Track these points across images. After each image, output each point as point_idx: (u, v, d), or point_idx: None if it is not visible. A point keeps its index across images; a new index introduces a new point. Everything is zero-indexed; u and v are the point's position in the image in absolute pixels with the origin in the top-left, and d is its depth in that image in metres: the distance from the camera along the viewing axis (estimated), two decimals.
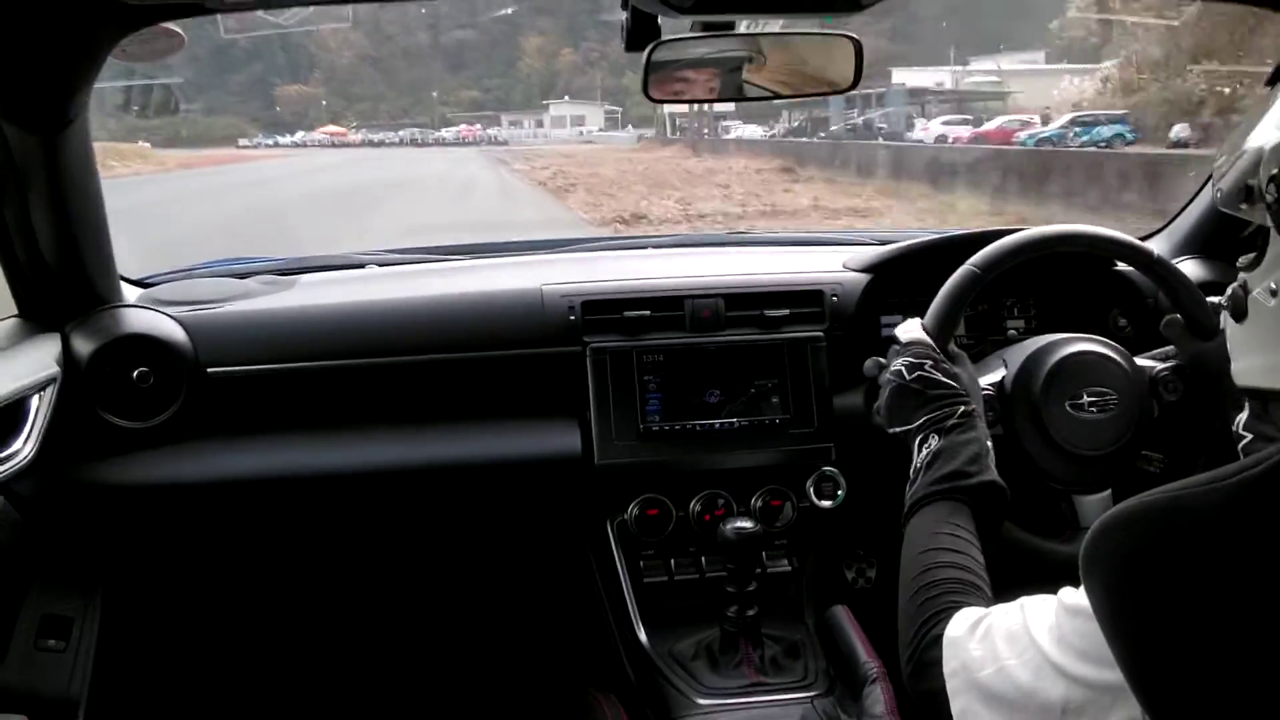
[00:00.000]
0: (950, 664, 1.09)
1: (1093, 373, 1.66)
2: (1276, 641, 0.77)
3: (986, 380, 1.69)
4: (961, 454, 1.37)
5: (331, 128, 40.83)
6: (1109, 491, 1.69)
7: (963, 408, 1.43)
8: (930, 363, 1.50)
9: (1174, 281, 1.69)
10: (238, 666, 2.28)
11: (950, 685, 1.08)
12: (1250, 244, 1.06)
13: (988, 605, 1.14)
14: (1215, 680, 0.79)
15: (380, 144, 39.73)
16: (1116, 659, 0.86)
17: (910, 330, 1.58)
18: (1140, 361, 1.72)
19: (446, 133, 41.44)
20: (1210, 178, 1.38)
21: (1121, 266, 2.00)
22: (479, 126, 41.93)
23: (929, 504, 1.34)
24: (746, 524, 1.75)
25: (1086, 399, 1.64)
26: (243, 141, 38.20)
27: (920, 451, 1.41)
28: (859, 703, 1.64)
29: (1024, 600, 1.04)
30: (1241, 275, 1.05)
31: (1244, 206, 1.02)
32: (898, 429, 1.48)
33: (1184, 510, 0.84)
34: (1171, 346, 1.74)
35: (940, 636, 1.12)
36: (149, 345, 1.85)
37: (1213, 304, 1.10)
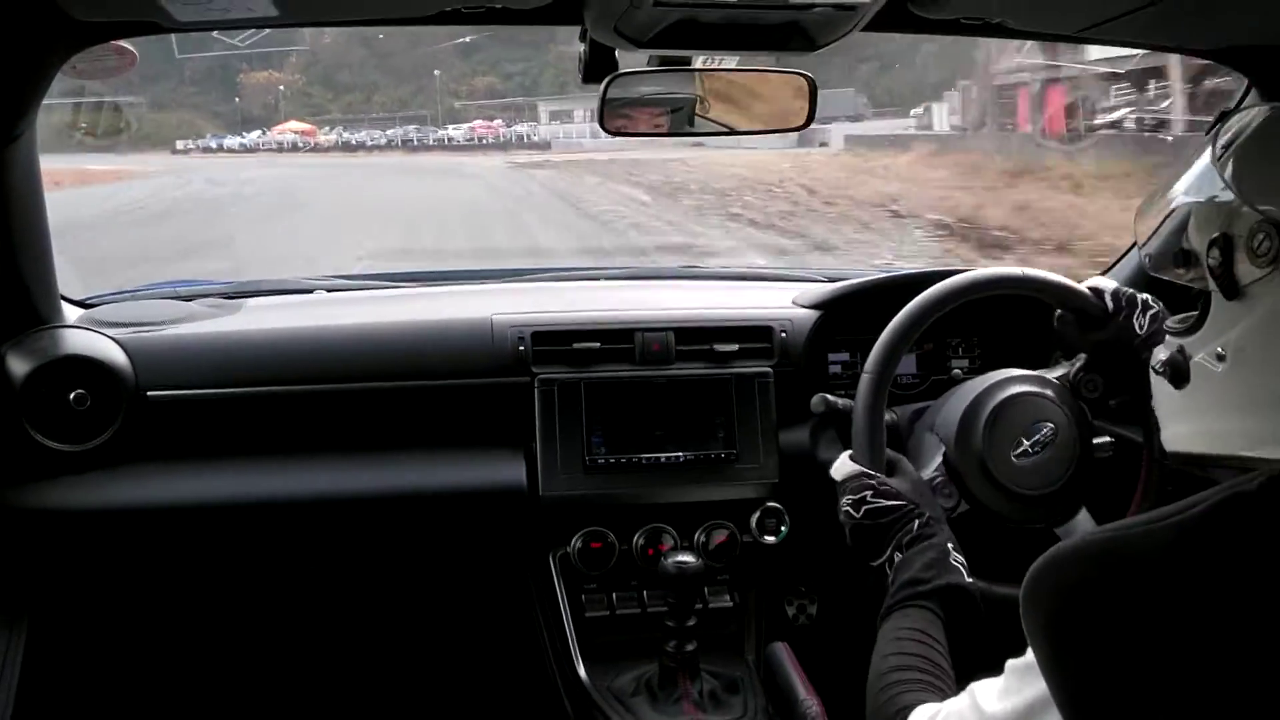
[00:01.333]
0: None
1: (1027, 413, 1.69)
2: (1209, 681, 0.78)
3: (930, 470, 1.71)
4: (917, 562, 1.40)
5: (295, 124, 34.44)
6: (1085, 514, 1.72)
7: (916, 521, 1.46)
8: (871, 492, 1.52)
9: (1049, 286, 1.72)
10: (168, 699, 2.23)
11: None
12: (1186, 294, 1.06)
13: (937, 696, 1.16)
14: (1151, 718, 0.79)
15: (360, 147, 32.39)
16: (1054, 696, 0.86)
17: (843, 467, 1.60)
18: (1054, 373, 1.76)
19: (455, 131, 33.64)
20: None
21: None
22: (499, 122, 34.16)
23: (891, 613, 1.37)
24: (688, 558, 1.75)
25: (1027, 443, 1.67)
26: (180, 145, 32.15)
27: (889, 571, 1.45)
28: None
29: (973, 684, 1.05)
30: (1177, 340, 1.05)
31: (1179, 271, 1.02)
32: (874, 564, 1.50)
33: (1123, 550, 0.85)
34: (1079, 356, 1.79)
35: None
36: (87, 367, 1.81)
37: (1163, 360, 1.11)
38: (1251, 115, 1.00)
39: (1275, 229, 0.90)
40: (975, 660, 1.12)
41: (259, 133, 34.13)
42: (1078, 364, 1.78)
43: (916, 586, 1.37)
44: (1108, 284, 1.72)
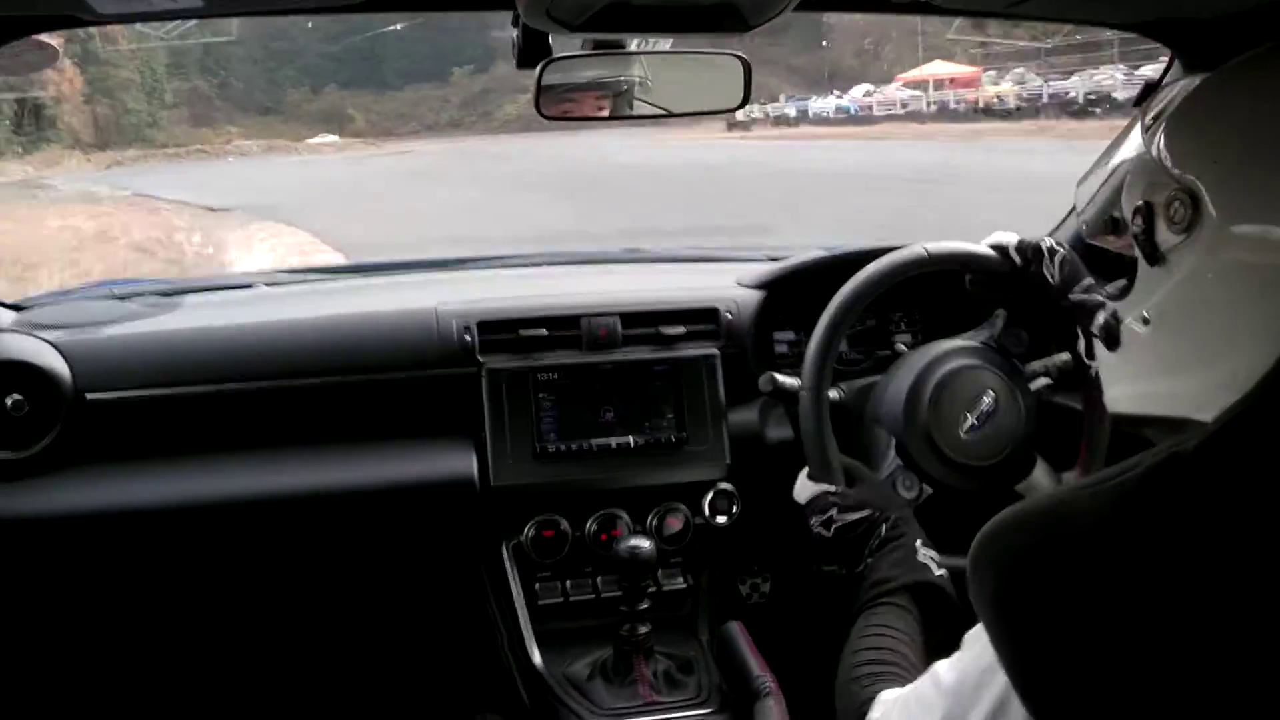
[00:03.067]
0: None
1: (966, 388, 1.72)
2: (1155, 645, 0.79)
3: (886, 459, 1.75)
4: (884, 564, 1.45)
5: (942, 68, 23.00)
6: (1041, 465, 1.76)
7: (883, 525, 1.51)
8: (835, 509, 1.57)
9: (951, 256, 1.75)
10: (120, 701, 2.20)
11: None
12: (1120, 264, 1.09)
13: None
14: (1096, 683, 0.81)
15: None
16: (1001, 663, 0.87)
17: (804, 490, 1.65)
18: (978, 338, 1.81)
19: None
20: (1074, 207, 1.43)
21: None
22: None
23: (861, 613, 1.41)
24: (641, 543, 1.75)
25: (972, 418, 1.70)
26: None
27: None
28: (752, 718, 1.65)
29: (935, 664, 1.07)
30: (1111, 304, 1.07)
31: (1110, 238, 1.05)
32: (856, 571, 1.54)
33: (1066, 514, 0.86)
34: (1051, 361, 1.82)
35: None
36: (23, 371, 1.78)
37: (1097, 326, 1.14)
38: (1179, 87, 1.02)
39: (1189, 196, 0.92)
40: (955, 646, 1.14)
41: (865, 90, 23.94)
42: (999, 322, 1.81)
43: (883, 585, 1.42)
44: (1008, 238, 1.74)
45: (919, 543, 1.48)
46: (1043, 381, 1.82)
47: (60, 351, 1.83)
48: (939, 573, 1.44)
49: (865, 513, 1.54)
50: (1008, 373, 1.75)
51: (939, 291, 2.09)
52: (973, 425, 1.70)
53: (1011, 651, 0.87)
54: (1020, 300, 1.79)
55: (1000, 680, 0.88)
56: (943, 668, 1.01)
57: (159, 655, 2.21)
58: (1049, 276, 1.66)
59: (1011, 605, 0.87)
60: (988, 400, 1.72)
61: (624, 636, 1.79)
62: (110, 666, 2.16)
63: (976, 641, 0.94)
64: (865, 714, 1.18)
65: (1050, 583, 0.85)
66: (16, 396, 1.76)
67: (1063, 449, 1.77)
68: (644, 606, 1.78)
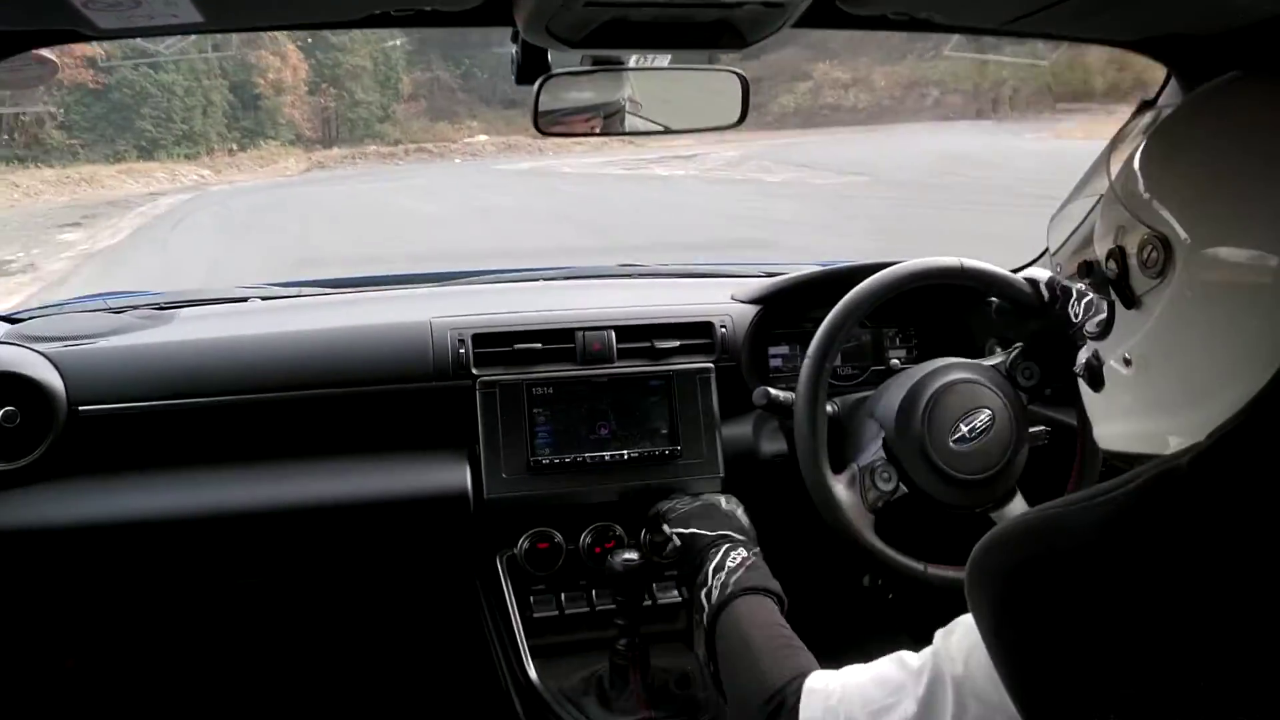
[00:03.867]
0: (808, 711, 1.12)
1: (965, 400, 1.73)
2: (1151, 656, 0.80)
3: (869, 452, 1.76)
4: (768, 574, 1.55)
5: None
6: (1019, 498, 1.76)
7: (755, 548, 1.65)
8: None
9: (986, 276, 1.79)
10: (115, 710, 2.19)
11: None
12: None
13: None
14: (1092, 693, 0.81)
15: None
16: (998, 671, 0.88)
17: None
18: (990, 361, 1.81)
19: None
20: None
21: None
22: None
23: (724, 608, 1.47)
24: (634, 556, 1.75)
25: (965, 429, 1.71)
26: None
27: (728, 555, 1.58)
28: None
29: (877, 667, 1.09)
30: (1092, 344, 1.08)
31: (1087, 280, 1.05)
32: (694, 529, 1.71)
33: (1063, 527, 0.87)
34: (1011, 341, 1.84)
35: (800, 688, 1.15)
36: (16, 383, 1.78)
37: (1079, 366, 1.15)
38: (1141, 126, 1.02)
39: (1161, 242, 0.92)
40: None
41: None
42: (1014, 352, 1.82)
43: (742, 585, 1.50)
44: (1042, 274, 1.78)
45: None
46: (1041, 429, 1.83)
47: (53, 364, 1.82)
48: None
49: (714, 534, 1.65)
50: (1012, 401, 1.76)
51: (936, 311, 2.10)
52: (964, 436, 1.71)
53: (1008, 660, 0.87)
54: (1039, 338, 1.80)
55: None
56: (906, 654, 1.02)
57: (149, 668, 2.20)
58: (1072, 316, 1.70)
59: (1009, 616, 0.88)
60: (984, 416, 1.72)
61: (620, 650, 1.79)
62: (96, 679, 2.16)
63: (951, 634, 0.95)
64: (786, 703, 1.15)
65: (1046, 595, 0.85)
66: (9, 408, 1.76)
67: (1042, 489, 1.77)
68: (638, 621, 1.78)
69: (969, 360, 1.82)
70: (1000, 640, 0.88)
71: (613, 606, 1.81)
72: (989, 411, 1.73)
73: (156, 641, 2.20)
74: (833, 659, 1.36)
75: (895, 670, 1.04)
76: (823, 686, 1.13)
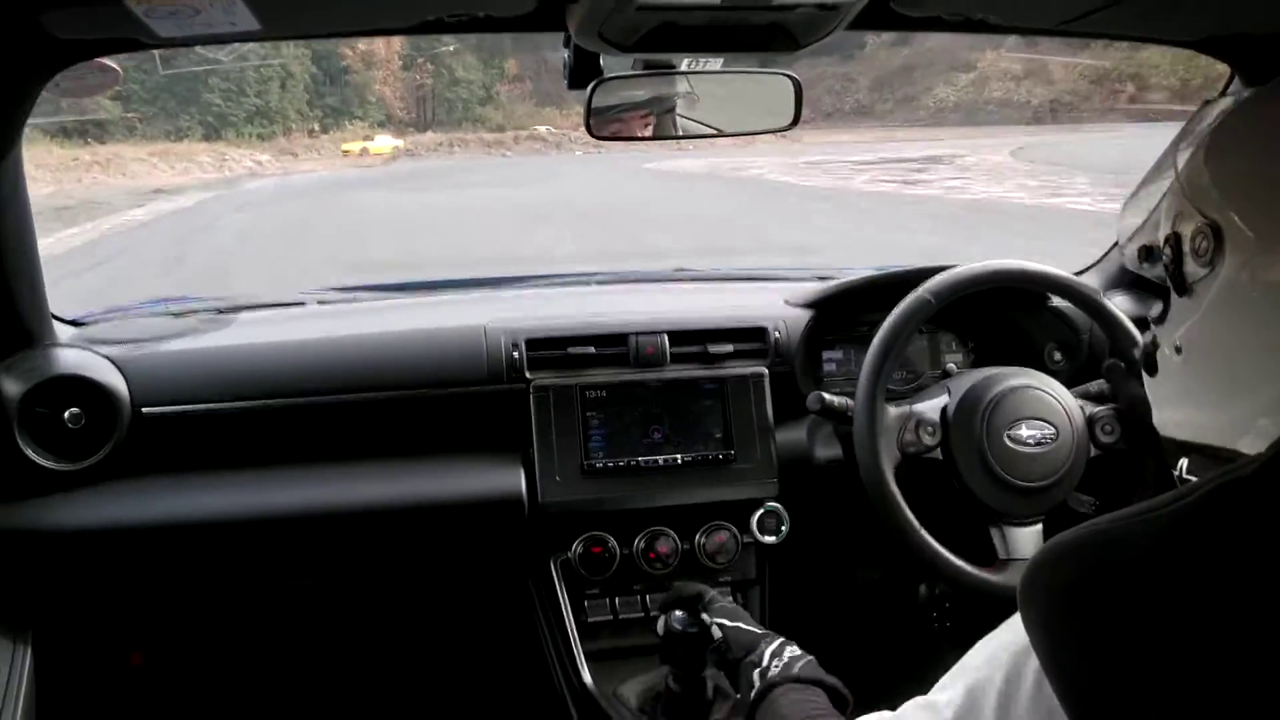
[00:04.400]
0: None
1: (1033, 407, 1.70)
2: (1209, 674, 0.78)
3: (930, 404, 1.74)
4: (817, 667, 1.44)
5: None
6: (1040, 525, 1.73)
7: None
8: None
9: (1113, 324, 1.76)
10: (173, 712, 2.22)
11: None
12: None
13: None
14: (1150, 711, 0.79)
15: None
16: (1055, 692, 0.86)
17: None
18: (1077, 399, 1.77)
19: None
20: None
21: (1057, 302, 2.04)
22: None
23: (794, 684, 1.39)
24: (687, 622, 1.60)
25: (1026, 431, 1.68)
26: None
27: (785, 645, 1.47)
28: None
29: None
30: (1152, 329, 1.07)
31: (1145, 265, 1.04)
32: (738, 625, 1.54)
33: (1120, 541, 0.85)
34: (1105, 383, 1.80)
35: None
36: (81, 386, 1.81)
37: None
38: (1214, 113, 1.01)
39: (1212, 231, 0.91)
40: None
41: None
42: (1106, 405, 1.78)
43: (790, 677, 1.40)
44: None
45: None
46: (1108, 440, 1.79)
47: (117, 366, 1.86)
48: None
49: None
50: (1082, 434, 1.73)
51: (993, 316, 2.08)
52: (1023, 442, 1.69)
53: (1063, 680, 0.86)
54: (1140, 404, 1.77)
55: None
56: (934, 695, 1.00)
57: (213, 665, 2.23)
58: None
59: (1065, 633, 0.86)
60: (1049, 430, 1.70)
61: (677, 674, 1.68)
62: (162, 675, 2.19)
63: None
64: None
65: (1104, 610, 0.83)
66: (74, 409, 1.80)
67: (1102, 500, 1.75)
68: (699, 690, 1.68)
69: (1061, 386, 1.79)
70: (1056, 659, 0.87)
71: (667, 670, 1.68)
72: (1054, 429, 1.70)
73: (220, 639, 2.23)
74: (885, 679, 1.35)
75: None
76: None
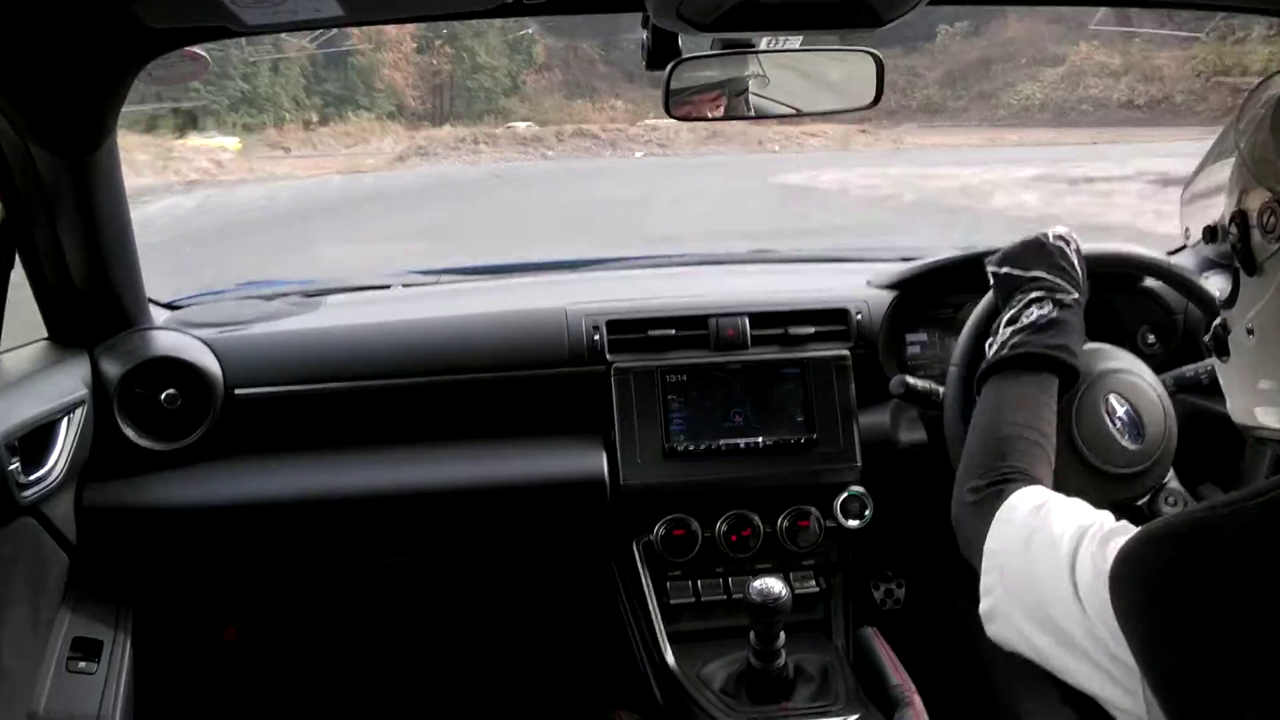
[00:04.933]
0: (993, 540, 1.12)
1: (1130, 393, 1.64)
2: None
3: None
4: (1075, 333, 1.41)
5: None
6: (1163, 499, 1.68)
7: (1075, 294, 1.45)
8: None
9: (1208, 303, 1.69)
10: (267, 685, 2.28)
11: (987, 560, 1.12)
12: None
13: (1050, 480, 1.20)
14: (1242, 702, 0.77)
15: None
16: (1145, 677, 0.85)
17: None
18: (1170, 384, 1.71)
19: None
20: None
21: (1150, 282, 1.98)
22: None
23: (1025, 366, 1.36)
24: (774, 585, 1.64)
25: (1118, 420, 1.62)
26: None
27: (1027, 307, 1.42)
28: None
29: (1080, 514, 1.05)
30: (1221, 313, 1.03)
31: (1214, 246, 1.01)
32: (1007, 269, 1.50)
33: (1211, 531, 0.83)
34: (1201, 368, 1.73)
35: (1003, 498, 1.15)
36: (177, 367, 1.86)
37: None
38: (1271, 92, 0.97)
39: None
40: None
41: None
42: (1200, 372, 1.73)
43: (1069, 356, 1.38)
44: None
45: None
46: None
47: (212, 349, 1.91)
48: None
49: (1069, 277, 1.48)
50: (1173, 425, 1.67)
51: (1089, 300, 2.03)
52: (1115, 427, 1.63)
53: (1155, 668, 0.84)
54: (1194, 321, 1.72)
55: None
56: (1085, 542, 1.00)
57: (303, 641, 2.29)
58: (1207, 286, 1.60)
59: (1156, 623, 0.85)
60: (1141, 418, 1.64)
61: (759, 634, 1.71)
62: (254, 650, 2.25)
63: None
64: (1010, 482, 1.17)
65: (1196, 599, 0.82)
66: (171, 391, 1.85)
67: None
68: (779, 663, 1.72)
69: (1157, 379, 1.71)
70: (1147, 648, 0.85)
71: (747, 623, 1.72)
72: (1148, 419, 1.64)
73: (310, 616, 2.28)
74: (971, 656, 1.33)
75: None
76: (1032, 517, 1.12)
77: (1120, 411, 1.64)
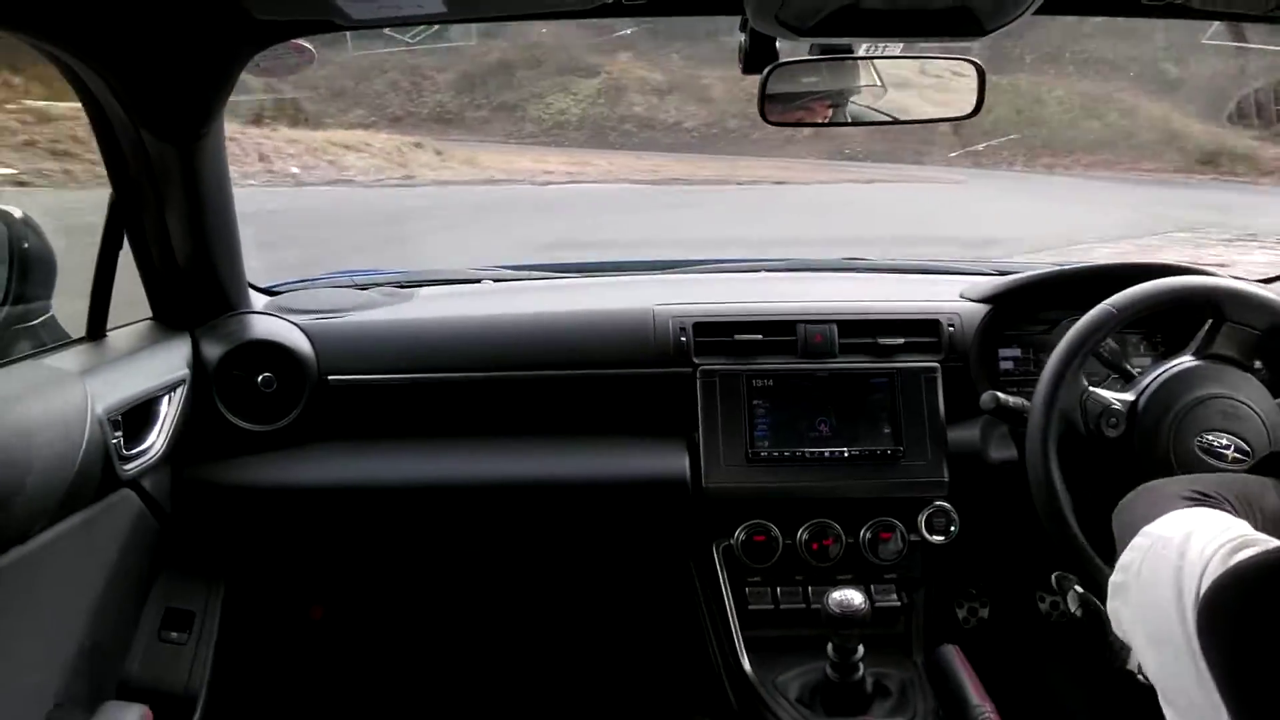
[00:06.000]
0: (1124, 558, 1.06)
1: (1231, 421, 1.59)
2: None
3: (1118, 395, 1.66)
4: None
5: None
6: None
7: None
8: None
9: (1243, 297, 1.64)
10: (350, 666, 2.33)
11: (1114, 580, 1.06)
12: None
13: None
14: None
15: None
16: (1231, 716, 0.82)
17: None
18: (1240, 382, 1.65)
19: None
20: None
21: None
22: None
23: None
24: (853, 597, 1.65)
25: (1217, 443, 1.57)
26: None
27: None
28: None
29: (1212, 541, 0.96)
30: None
31: None
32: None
33: None
34: None
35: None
36: (274, 351, 1.91)
37: None
38: None
39: None
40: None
41: None
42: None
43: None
44: None
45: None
46: None
47: (307, 335, 1.95)
48: None
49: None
50: (1277, 435, 1.61)
51: (1188, 317, 1.97)
52: (1213, 447, 1.58)
53: (1242, 706, 0.82)
54: None
55: None
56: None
57: (387, 623, 2.33)
58: None
59: (1245, 660, 0.82)
60: (1246, 448, 1.58)
61: (838, 648, 1.72)
62: (339, 630, 2.29)
63: None
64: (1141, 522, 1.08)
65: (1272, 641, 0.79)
66: (267, 374, 1.90)
67: None
68: (857, 676, 1.71)
69: (1231, 371, 1.67)
70: (1234, 686, 0.82)
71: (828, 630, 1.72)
72: (1251, 451, 1.57)
73: (394, 600, 2.32)
74: (1052, 680, 1.29)
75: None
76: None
77: (1220, 439, 1.58)
